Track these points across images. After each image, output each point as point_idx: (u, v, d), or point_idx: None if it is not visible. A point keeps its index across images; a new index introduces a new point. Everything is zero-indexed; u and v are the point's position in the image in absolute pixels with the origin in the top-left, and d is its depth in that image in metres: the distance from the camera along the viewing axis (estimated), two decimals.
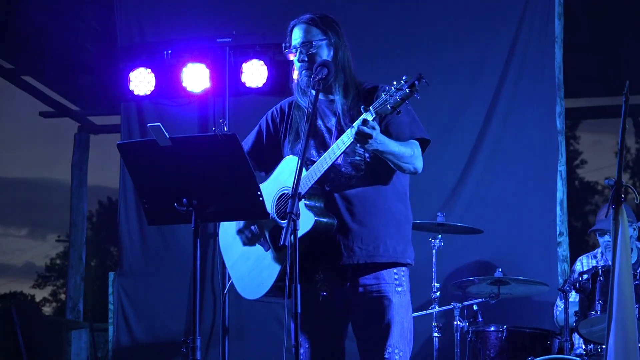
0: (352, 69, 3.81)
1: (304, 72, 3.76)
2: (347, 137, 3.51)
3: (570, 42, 6.75)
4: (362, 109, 3.47)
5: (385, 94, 3.43)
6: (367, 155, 3.68)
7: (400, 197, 3.79)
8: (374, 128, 3.44)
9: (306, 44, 3.76)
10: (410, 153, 3.62)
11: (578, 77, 8.11)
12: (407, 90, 3.39)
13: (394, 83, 3.43)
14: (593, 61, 8.42)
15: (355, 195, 3.68)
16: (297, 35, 3.80)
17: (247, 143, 3.95)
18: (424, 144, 3.73)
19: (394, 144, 3.57)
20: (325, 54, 3.76)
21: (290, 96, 3.97)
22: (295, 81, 3.86)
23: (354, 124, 3.48)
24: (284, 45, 3.90)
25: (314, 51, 3.75)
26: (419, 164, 3.68)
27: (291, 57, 3.85)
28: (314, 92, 3.58)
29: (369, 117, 3.44)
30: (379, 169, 3.69)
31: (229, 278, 3.99)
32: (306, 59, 3.75)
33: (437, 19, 6.71)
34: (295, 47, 3.79)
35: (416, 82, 3.38)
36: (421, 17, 6.74)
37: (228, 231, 3.89)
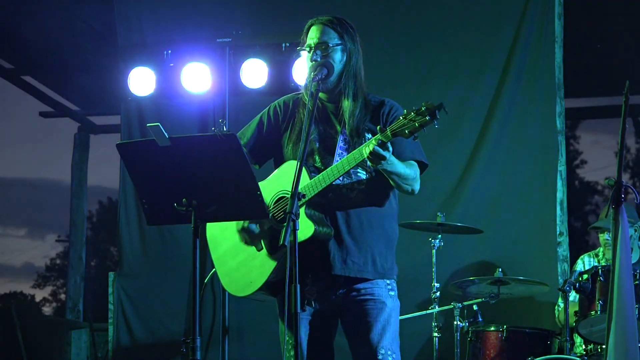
0: (363, 77, 3.80)
1: (313, 73, 3.71)
2: (360, 154, 3.51)
3: (570, 42, 6.74)
4: (378, 129, 3.46)
5: (404, 118, 3.40)
6: (371, 171, 3.69)
7: (393, 216, 3.84)
8: (388, 150, 3.46)
9: (321, 45, 3.74)
10: (413, 175, 3.67)
11: (578, 77, 8.10)
12: (427, 118, 3.37)
13: (414, 108, 3.40)
14: (593, 61, 8.41)
15: (353, 209, 3.70)
16: (313, 35, 3.77)
17: (244, 134, 3.90)
18: (421, 167, 3.76)
19: (401, 165, 3.60)
20: (338, 59, 3.75)
21: (291, 94, 3.96)
22: (305, 82, 3.80)
23: (368, 142, 3.48)
24: (295, 40, 3.85)
25: (328, 53, 3.73)
26: (417, 186, 3.73)
27: (303, 55, 3.83)
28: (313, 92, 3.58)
29: (385, 139, 3.43)
30: (380, 187, 3.73)
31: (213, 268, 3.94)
32: (319, 60, 3.72)
33: (437, 19, 6.71)
34: (309, 47, 3.77)
35: (437, 110, 3.36)
36: (421, 17, 6.74)
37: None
